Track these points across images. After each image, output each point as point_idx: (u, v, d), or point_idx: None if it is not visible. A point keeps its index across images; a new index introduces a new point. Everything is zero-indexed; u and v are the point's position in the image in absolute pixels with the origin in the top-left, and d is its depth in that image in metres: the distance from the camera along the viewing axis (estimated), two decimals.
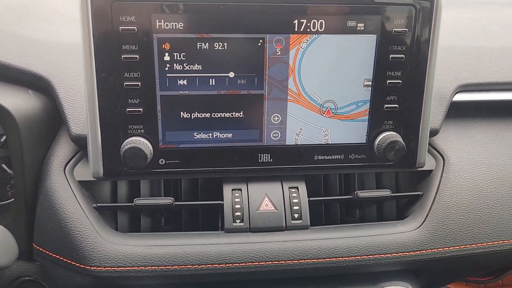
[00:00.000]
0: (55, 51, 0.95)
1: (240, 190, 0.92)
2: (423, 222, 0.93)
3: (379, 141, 0.90)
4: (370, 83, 0.88)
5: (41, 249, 0.89)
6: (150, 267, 0.84)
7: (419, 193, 0.98)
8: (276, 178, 0.94)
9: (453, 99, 1.03)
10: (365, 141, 0.92)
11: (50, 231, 0.87)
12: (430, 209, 0.94)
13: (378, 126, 0.91)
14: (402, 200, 1.02)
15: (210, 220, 0.95)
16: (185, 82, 0.84)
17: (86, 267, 0.83)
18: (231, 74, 0.85)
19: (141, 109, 0.83)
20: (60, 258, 0.86)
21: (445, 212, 0.94)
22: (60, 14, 1.08)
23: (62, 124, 0.93)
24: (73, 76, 0.91)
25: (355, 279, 0.93)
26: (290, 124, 0.90)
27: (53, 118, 0.92)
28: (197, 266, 0.85)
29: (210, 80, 0.84)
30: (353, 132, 0.92)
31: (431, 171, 0.99)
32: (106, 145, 0.85)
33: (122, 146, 0.83)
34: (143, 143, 0.83)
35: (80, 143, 0.90)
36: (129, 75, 0.81)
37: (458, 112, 1.06)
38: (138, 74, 0.81)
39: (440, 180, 0.97)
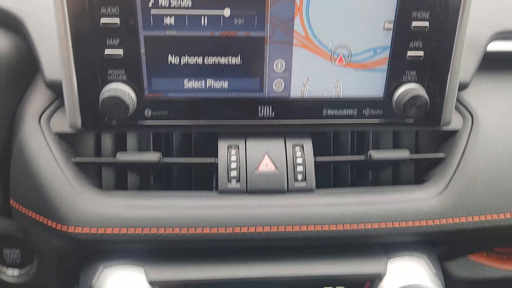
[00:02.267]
0: None
1: (237, 147, 0.81)
2: (445, 188, 0.81)
3: (399, 95, 0.78)
4: (391, 25, 0.75)
5: (17, 206, 0.81)
6: (133, 231, 0.75)
7: (441, 155, 0.86)
8: (279, 134, 0.83)
9: (487, 49, 0.88)
10: (382, 95, 0.80)
11: (25, 187, 0.79)
12: (453, 174, 0.82)
13: (399, 77, 0.78)
14: (421, 163, 0.90)
15: (204, 180, 0.85)
16: (172, 20, 0.72)
17: (62, 228, 0.75)
18: (227, 12, 0.72)
19: (121, 52, 0.72)
20: (36, 217, 0.78)
21: (470, 178, 0.82)
22: None
23: (38, 69, 0.83)
24: (48, 13, 0.80)
25: (364, 249, 0.83)
26: (295, 72, 0.77)
27: (27, 62, 0.82)
28: (185, 230, 0.75)
29: (202, 18, 0.72)
30: (368, 83, 0.79)
31: (457, 131, 0.87)
32: (83, 92, 0.74)
33: (101, 94, 0.73)
34: (124, 92, 0.73)
35: (57, 90, 0.80)
36: (106, 11, 0.70)
37: (493, 63, 0.91)
38: (116, 10, 0.69)
39: (467, 142, 0.85)
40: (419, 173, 0.90)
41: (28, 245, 0.89)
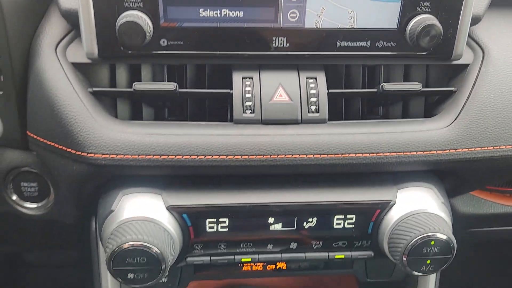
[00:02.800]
0: None
1: (252, 78, 0.82)
2: (455, 119, 0.83)
3: (412, 25, 0.78)
4: None
5: (35, 136, 0.82)
6: (151, 156, 0.77)
7: (452, 89, 0.87)
8: (292, 67, 0.84)
9: None
10: (396, 26, 0.80)
11: (43, 117, 0.80)
12: (463, 106, 0.84)
13: (413, 8, 0.79)
14: (431, 98, 0.91)
15: (218, 112, 0.86)
16: None
17: (82, 154, 0.77)
18: None
19: None
20: (55, 145, 0.79)
21: (480, 109, 0.83)
22: None
23: None
24: None
25: (375, 179, 0.85)
26: (310, 2, 0.78)
27: None
28: (202, 157, 0.77)
29: None
30: (383, 14, 0.80)
31: (467, 65, 0.88)
32: (100, 20, 0.75)
33: (117, 21, 0.73)
34: (142, 18, 0.73)
35: (72, 20, 0.80)
36: None
37: None
38: None
39: (478, 75, 0.86)
40: (429, 108, 0.91)
41: (45, 178, 0.91)
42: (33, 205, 0.94)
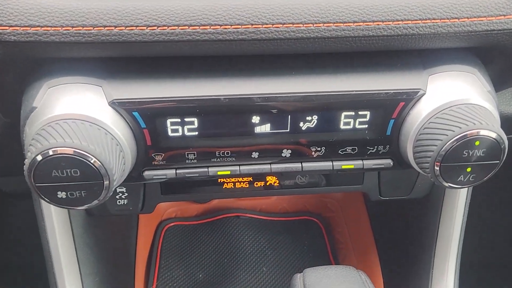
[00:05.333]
0: None
1: None
2: None
3: None
4: None
5: None
6: (80, 28, 0.53)
7: None
8: None
9: None
10: None
11: None
12: None
13: None
14: None
15: None
16: None
17: None
18: None
19: None
20: None
21: None
22: None
23: None
24: None
25: (397, 60, 0.62)
26: None
27: None
28: (154, 28, 0.54)
29: None
30: None
31: None
32: None
33: None
34: None
35: None
36: None
37: None
38: None
39: None
40: None
41: None
42: None
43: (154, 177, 0.64)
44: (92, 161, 0.53)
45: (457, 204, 0.80)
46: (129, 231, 0.98)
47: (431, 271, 0.80)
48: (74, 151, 0.53)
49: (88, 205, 0.57)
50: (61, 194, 0.55)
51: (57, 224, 0.74)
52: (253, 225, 1.07)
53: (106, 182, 0.55)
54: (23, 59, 0.58)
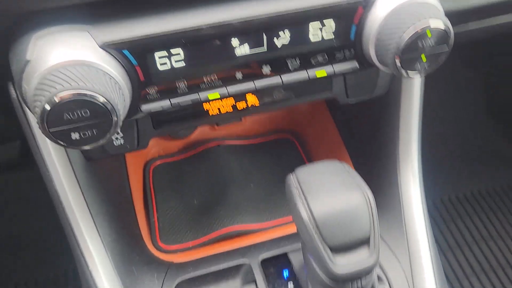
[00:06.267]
0: None
1: None
2: None
3: None
4: None
5: None
6: None
7: None
8: None
9: None
10: None
11: None
12: None
13: None
14: None
15: None
16: None
17: None
18: None
19: None
20: None
21: None
22: None
23: None
24: None
25: None
26: None
27: None
28: None
29: None
30: None
31: None
32: None
33: None
34: None
35: None
36: None
37: None
38: None
39: None
40: None
41: None
42: None
43: (152, 110, 0.70)
44: (99, 100, 0.58)
45: (413, 96, 0.91)
46: (120, 174, 1.04)
47: (398, 157, 0.93)
48: (81, 93, 0.57)
49: (100, 142, 0.62)
50: (75, 136, 0.60)
51: (61, 172, 0.79)
52: (234, 150, 1.15)
53: (114, 119, 0.60)
54: (6, 14, 0.61)
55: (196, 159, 1.15)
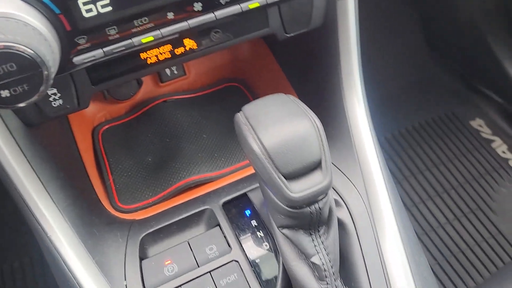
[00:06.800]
0: None
1: None
2: None
3: None
4: None
5: None
6: None
7: None
8: None
9: None
10: None
11: None
12: None
13: None
14: None
15: None
16: None
17: None
18: None
19: None
20: None
21: None
22: None
23: None
24: None
25: None
26: None
27: None
28: None
29: None
30: None
31: None
32: None
33: None
34: None
35: None
36: None
37: None
38: None
39: None
40: None
41: None
42: None
43: (84, 61, 0.67)
44: (25, 51, 0.55)
45: (349, 22, 0.92)
46: (67, 140, 1.01)
47: (342, 85, 0.95)
48: (4, 45, 0.54)
49: (34, 97, 0.60)
50: (5, 93, 0.58)
51: (1, 141, 0.75)
52: (181, 104, 1.14)
53: (45, 72, 0.58)
54: None
55: (144, 117, 1.13)
